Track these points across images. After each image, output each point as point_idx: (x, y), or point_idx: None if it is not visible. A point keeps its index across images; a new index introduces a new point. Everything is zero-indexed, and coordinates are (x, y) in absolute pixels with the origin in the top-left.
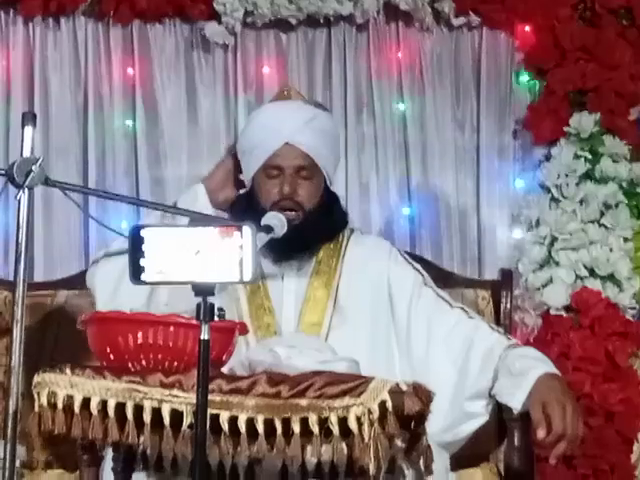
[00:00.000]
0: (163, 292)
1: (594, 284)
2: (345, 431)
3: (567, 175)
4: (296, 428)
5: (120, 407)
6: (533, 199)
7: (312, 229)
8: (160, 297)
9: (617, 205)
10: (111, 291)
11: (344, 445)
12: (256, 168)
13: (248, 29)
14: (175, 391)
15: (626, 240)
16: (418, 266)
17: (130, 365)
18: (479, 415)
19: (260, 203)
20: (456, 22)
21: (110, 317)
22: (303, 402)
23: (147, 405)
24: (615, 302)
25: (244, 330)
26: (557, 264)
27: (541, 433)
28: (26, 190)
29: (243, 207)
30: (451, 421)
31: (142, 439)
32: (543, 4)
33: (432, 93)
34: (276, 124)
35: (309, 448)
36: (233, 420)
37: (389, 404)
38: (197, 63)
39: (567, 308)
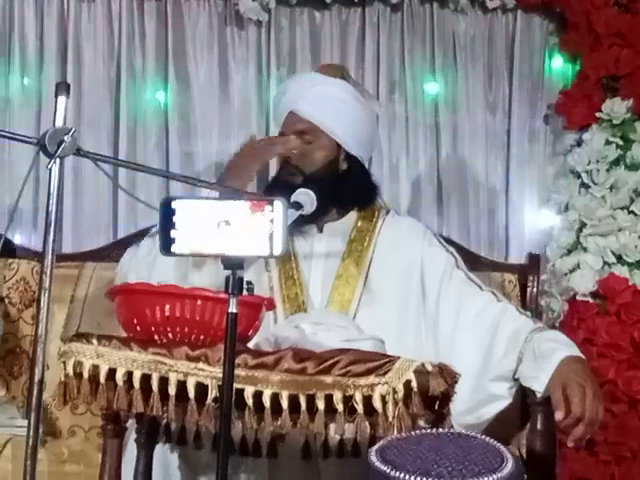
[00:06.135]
0: (196, 280)
1: (621, 271)
2: (369, 410)
3: (598, 161)
4: (320, 405)
5: (145, 379)
6: (563, 184)
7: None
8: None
9: None
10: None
11: (367, 424)
12: None
13: (282, 6)
14: (201, 364)
15: None
16: (451, 249)
17: (156, 337)
18: (502, 397)
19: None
20: (491, 4)
21: (138, 289)
22: (328, 379)
23: (172, 378)
24: None
25: (271, 306)
26: (585, 250)
27: (559, 415)
28: (57, 160)
29: (272, 184)
30: (474, 403)
31: (166, 411)
32: None
33: (464, 75)
34: (282, 95)
35: (332, 426)
36: (258, 395)
37: (414, 384)
38: (230, 39)
39: (594, 294)
